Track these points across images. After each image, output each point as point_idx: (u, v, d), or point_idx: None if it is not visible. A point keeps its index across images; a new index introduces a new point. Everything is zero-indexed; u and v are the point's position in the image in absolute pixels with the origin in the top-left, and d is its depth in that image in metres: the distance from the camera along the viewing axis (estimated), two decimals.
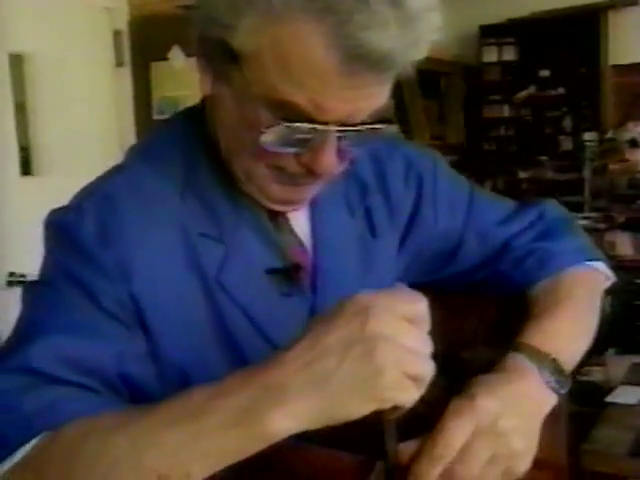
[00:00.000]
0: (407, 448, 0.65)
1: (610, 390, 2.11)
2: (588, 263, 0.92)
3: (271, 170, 0.72)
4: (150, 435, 0.57)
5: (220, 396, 0.56)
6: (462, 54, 5.98)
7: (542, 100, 6.07)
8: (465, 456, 0.64)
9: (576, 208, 4.55)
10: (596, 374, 2.24)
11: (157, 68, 2.95)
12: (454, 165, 0.97)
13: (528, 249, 0.91)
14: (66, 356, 0.65)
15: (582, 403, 1.95)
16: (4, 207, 2.33)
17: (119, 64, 2.86)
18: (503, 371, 0.74)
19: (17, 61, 2.47)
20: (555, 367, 0.76)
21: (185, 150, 0.78)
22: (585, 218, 4.19)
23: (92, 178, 0.77)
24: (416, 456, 0.64)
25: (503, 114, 6.28)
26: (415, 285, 0.86)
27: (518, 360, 0.76)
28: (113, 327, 0.69)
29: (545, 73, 6.05)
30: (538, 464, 0.71)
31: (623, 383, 2.17)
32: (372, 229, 0.88)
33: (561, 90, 6.00)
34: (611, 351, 2.40)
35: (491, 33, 6.12)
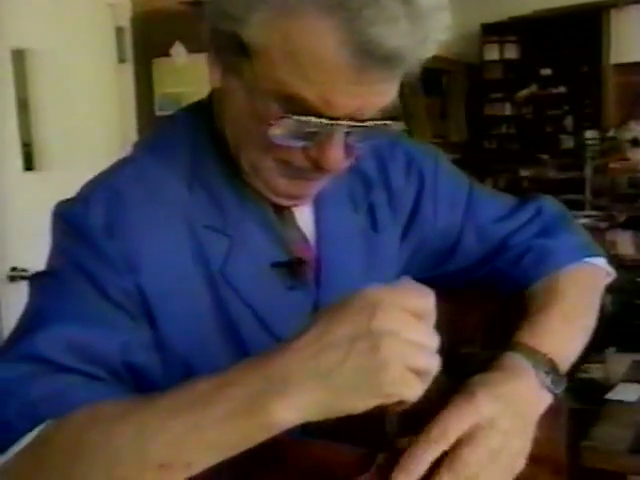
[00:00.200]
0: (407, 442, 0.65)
1: (610, 387, 2.12)
2: (587, 260, 0.92)
3: (278, 164, 0.73)
4: (154, 424, 0.57)
5: (224, 386, 0.56)
6: (464, 52, 5.98)
7: (543, 98, 6.08)
8: (464, 454, 0.64)
9: (577, 207, 4.56)
10: (596, 371, 2.25)
11: (159, 64, 2.94)
12: (456, 163, 0.97)
13: (526, 246, 0.91)
14: (72, 344, 0.65)
15: (582, 400, 1.96)
16: (7, 202, 2.33)
17: (121, 60, 2.86)
18: (500, 370, 0.74)
19: (19, 57, 2.46)
20: (550, 367, 0.77)
21: (192, 143, 0.78)
22: (586, 217, 4.19)
23: (94, 174, 0.77)
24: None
25: (504, 112, 6.28)
26: (415, 280, 0.86)
27: (515, 359, 0.76)
28: (119, 317, 0.69)
29: (547, 71, 6.06)
30: (538, 461, 0.71)
31: (623, 381, 2.17)
32: (375, 224, 0.88)
33: (563, 88, 6.00)
34: (611, 349, 2.40)
35: (493, 31, 6.13)
